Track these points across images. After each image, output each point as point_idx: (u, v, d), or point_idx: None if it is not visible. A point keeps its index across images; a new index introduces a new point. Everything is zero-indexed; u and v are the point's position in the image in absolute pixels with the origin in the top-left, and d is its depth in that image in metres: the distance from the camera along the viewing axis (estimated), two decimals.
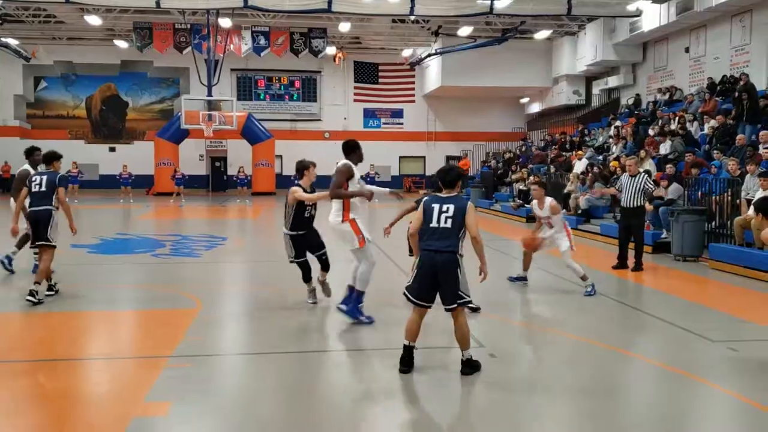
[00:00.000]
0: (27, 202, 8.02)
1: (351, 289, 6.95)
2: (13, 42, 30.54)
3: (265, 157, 31.60)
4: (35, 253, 8.81)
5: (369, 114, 36.08)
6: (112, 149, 33.72)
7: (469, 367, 5.38)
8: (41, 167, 8.53)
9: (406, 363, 5.40)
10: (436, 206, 5.36)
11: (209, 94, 28.92)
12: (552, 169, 21.94)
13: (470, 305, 6.16)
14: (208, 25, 27.55)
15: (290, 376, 5.38)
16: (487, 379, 5.30)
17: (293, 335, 6.66)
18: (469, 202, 5.64)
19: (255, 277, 10.37)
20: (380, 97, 35.85)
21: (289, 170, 31.83)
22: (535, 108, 34.24)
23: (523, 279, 9.47)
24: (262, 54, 29.85)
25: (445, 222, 5.29)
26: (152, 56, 31.35)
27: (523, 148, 29.39)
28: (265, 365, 5.73)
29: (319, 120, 35.51)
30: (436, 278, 5.30)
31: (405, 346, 5.44)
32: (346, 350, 6.34)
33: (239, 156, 32.75)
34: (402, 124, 36.28)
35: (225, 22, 27.53)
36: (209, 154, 34.78)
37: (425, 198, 5.55)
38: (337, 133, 35.13)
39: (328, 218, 6.95)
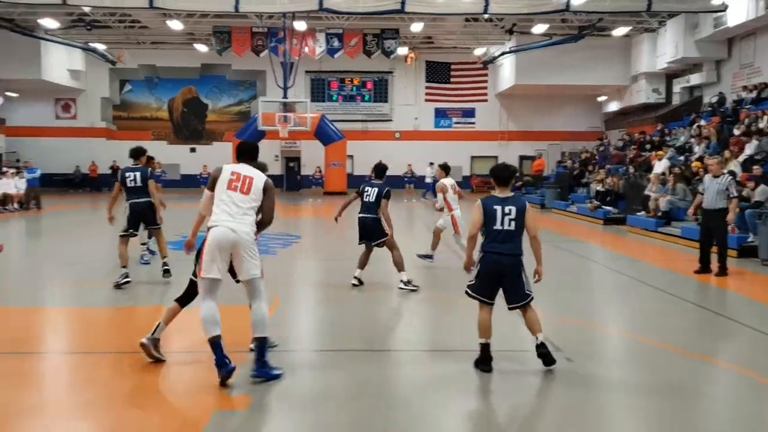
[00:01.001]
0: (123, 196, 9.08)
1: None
2: (100, 47, 32.08)
3: (338, 157, 32.03)
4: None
5: (440, 114, 35.99)
6: (193, 150, 34.90)
7: (545, 347, 5.42)
8: (130, 162, 9.13)
9: (486, 362, 5.43)
10: (498, 208, 5.40)
11: (285, 95, 29.55)
12: (631, 170, 21.32)
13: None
14: (284, 28, 28.14)
15: (365, 374, 5.45)
16: (566, 381, 5.22)
17: (368, 332, 6.73)
18: (527, 202, 5.68)
19: (330, 275, 10.53)
20: (452, 96, 35.70)
21: (360, 170, 32.55)
22: (613, 107, 33.33)
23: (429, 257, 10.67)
24: (335, 56, 30.28)
25: (509, 224, 5.36)
26: (231, 59, 32.26)
27: (601, 148, 28.67)
28: (341, 362, 5.83)
29: (390, 120, 35.68)
30: (500, 279, 5.42)
31: (482, 344, 5.46)
32: (423, 350, 6.36)
33: (312, 156, 33.34)
34: (474, 123, 36.01)
35: (300, 25, 28.08)
36: (284, 154, 35.51)
37: (483, 199, 5.55)
38: (408, 133, 35.28)
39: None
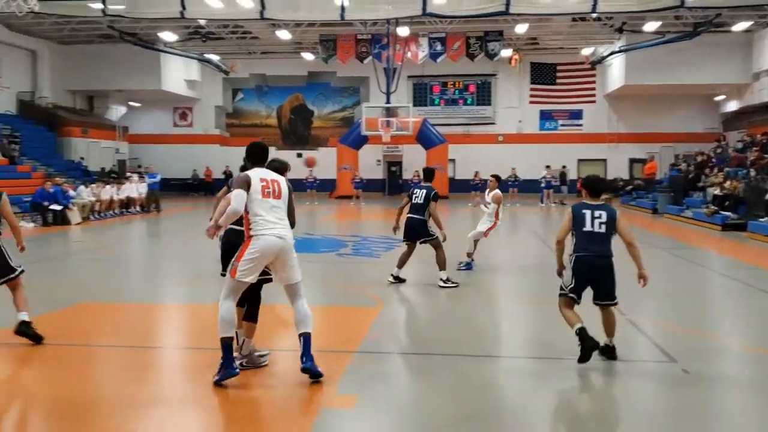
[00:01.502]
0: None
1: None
2: (215, 58, 33.72)
3: (439, 161, 31.99)
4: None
5: (545, 116, 35.19)
6: (299, 155, 35.96)
7: (612, 352, 5.64)
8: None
9: (591, 344, 5.45)
10: (587, 212, 5.63)
11: (387, 101, 29.90)
12: (753, 173, 20.01)
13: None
14: (388, 35, 28.50)
15: (470, 378, 5.43)
16: (683, 393, 4.99)
17: (470, 337, 6.70)
18: (618, 210, 5.87)
19: (431, 280, 10.55)
20: (558, 98, 34.82)
21: (462, 174, 32.39)
22: (732, 106, 31.37)
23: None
24: (438, 60, 30.32)
25: (600, 227, 5.57)
26: (336, 67, 33.00)
27: (718, 150, 27.07)
28: (443, 365, 5.83)
29: (493, 123, 35.24)
30: (592, 279, 5.61)
31: (580, 328, 5.49)
32: (527, 357, 6.26)
33: (414, 160, 33.51)
34: (581, 125, 34.96)
35: (403, 31, 28.34)
36: (386, 159, 35.90)
37: (573, 205, 5.78)
38: (512, 136, 34.71)
39: None
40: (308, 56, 33.42)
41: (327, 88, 36.33)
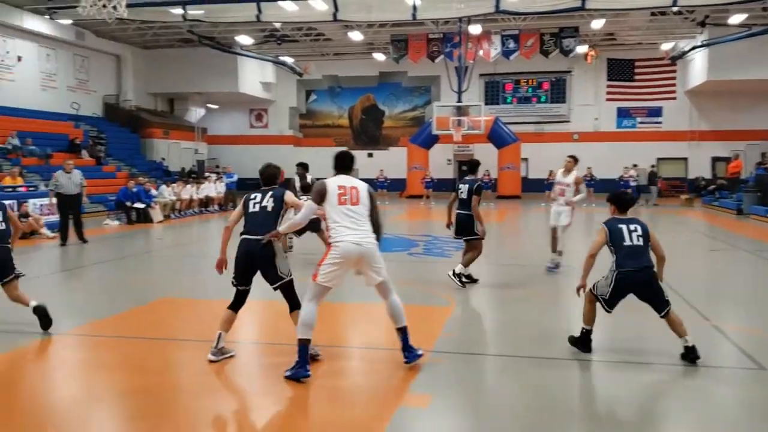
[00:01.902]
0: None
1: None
2: (289, 60, 34.40)
3: (511, 160, 31.60)
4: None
5: (623, 113, 34.17)
6: (370, 155, 36.22)
7: (694, 352, 5.51)
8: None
9: (586, 344, 5.91)
10: (623, 226, 5.75)
11: (459, 100, 29.74)
12: None
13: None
14: (460, 33, 28.35)
15: (546, 382, 5.35)
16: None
17: (544, 339, 6.58)
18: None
19: (504, 280, 10.45)
20: (636, 95, 33.75)
21: (535, 173, 31.84)
22: None
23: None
24: (511, 57, 29.94)
25: (638, 240, 5.67)
26: (406, 66, 33.07)
27: None
28: (520, 367, 5.76)
29: (568, 121, 34.50)
30: (634, 292, 5.67)
31: (585, 330, 5.89)
32: (607, 360, 6.11)
33: (484, 160, 33.12)
34: (660, 123, 33.76)
35: (475, 29, 28.11)
36: (456, 158, 35.69)
37: (606, 221, 5.89)
38: (588, 135, 33.86)
39: None
40: (379, 56, 33.63)
41: (398, 88, 36.46)
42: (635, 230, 5.69)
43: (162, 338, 6.73)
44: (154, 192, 20.91)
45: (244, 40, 29.86)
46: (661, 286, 5.67)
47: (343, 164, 5.55)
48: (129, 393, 5.05)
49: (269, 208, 5.63)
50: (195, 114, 36.22)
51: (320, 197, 5.34)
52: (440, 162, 34.18)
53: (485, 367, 5.83)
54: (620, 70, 33.67)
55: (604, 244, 5.78)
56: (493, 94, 35.02)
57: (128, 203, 19.45)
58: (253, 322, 7.37)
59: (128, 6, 17.12)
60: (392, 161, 33.76)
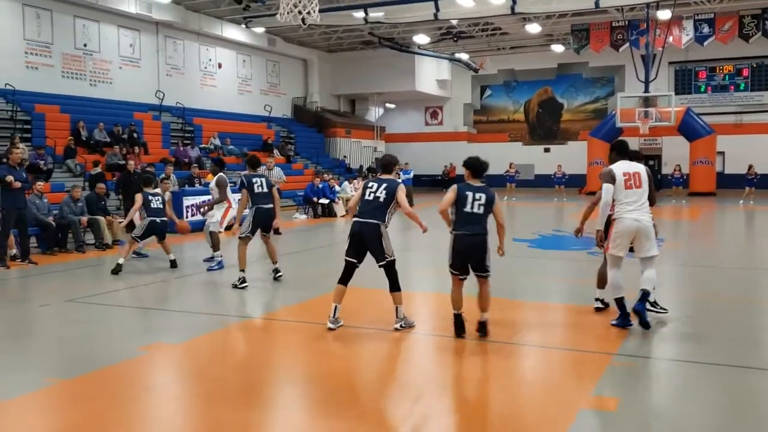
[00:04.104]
0: None
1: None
2: (464, 56, 34.49)
3: (705, 154, 29.19)
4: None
5: None
6: (547, 150, 35.30)
7: (485, 328, 6.14)
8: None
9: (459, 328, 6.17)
10: (469, 194, 6.04)
11: (646, 90, 28.07)
12: None
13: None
14: (647, 19, 26.71)
15: (735, 391, 4.92)
16: None
17: (735, 347, 6.03)
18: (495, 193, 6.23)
19: (693, 282, 9.71)
20: None
21: (733, 169, 29.15)
22: None
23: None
24: (705, 43, 27.68)
25: (478, 209, 6.01)
26: (587, 57, 31.80)
27: None
28: (711, 375, 5.33)
29: None
30: (469, 256, 6.11)
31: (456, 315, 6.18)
32: None
33: (674, 154, 30.94)
34: None
35: (664, 14, 26.30)
36: (642, 152, 33.62)
37: (458, 184, 6.13)
38: None
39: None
40: (558, 48, 32.65)
41: (578, 80, 35.18)
42: (479, 199, 5.99)
43: (348, 326, 7.06)
44: (337, 188, 21.98)
45: (421, 39, 30.41)
46: (487, 255, 6.03)
47: (623, 151, 6.56)
48: (319, 377, 5.38)
49: (381, 199, 6.36)
50: (374, 113, 37.56)
51: (612, 179, 6.34)
52: None
53: (675, 373, 5.46)
54: None
55: (453, 202, 6.04)
56: (684, 82, 32.60)
57: (315, 198, 20.63)
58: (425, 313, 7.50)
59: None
60: (571, 156, 32.56)
